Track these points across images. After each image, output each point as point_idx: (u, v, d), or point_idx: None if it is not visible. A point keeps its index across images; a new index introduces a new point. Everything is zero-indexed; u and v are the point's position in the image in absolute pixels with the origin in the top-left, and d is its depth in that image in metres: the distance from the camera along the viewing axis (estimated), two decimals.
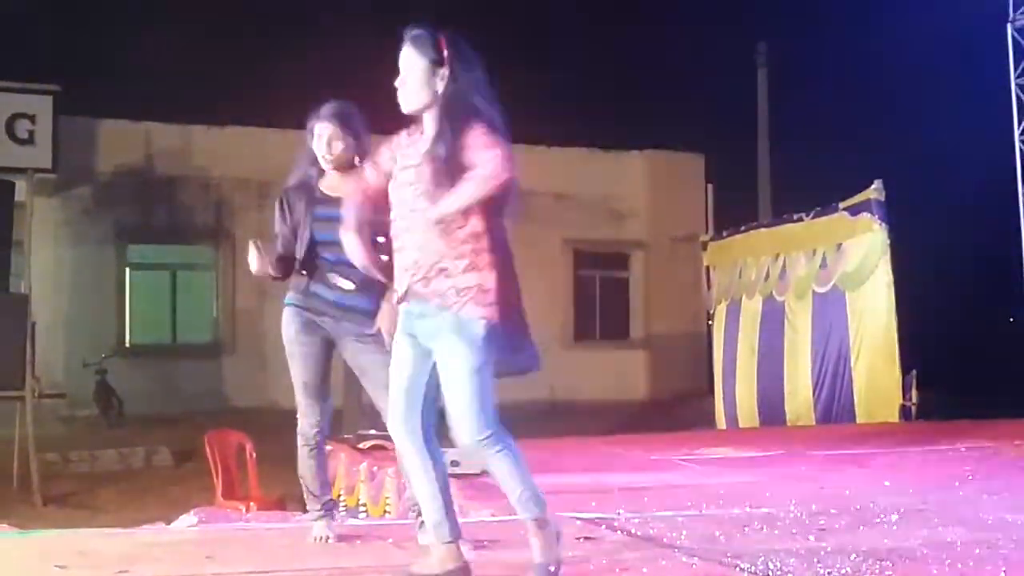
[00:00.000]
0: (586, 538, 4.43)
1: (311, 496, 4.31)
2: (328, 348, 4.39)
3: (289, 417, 14.57)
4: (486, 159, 3.31)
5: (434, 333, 3.39)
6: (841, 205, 10.44)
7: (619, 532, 4.62)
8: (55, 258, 14.97)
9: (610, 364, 18.10)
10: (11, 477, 10.51)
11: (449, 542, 3.52)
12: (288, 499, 8.34)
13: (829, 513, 5.05)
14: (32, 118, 14.33)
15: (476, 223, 3.36)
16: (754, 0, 18.78)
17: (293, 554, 3.98)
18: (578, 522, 4.79)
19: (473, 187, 3.30)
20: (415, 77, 3.42)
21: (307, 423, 4.41)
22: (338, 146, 4.31)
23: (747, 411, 12.05)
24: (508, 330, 3.42)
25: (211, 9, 18.33)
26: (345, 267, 4.20)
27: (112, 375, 14.85)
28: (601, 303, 18.84)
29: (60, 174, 14.65)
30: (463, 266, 3.36)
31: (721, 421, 12.60)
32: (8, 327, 9.89)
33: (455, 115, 3.38)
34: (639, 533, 4.58)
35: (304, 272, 4.41)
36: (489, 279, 3.37)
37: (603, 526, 4.73)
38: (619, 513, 5.05)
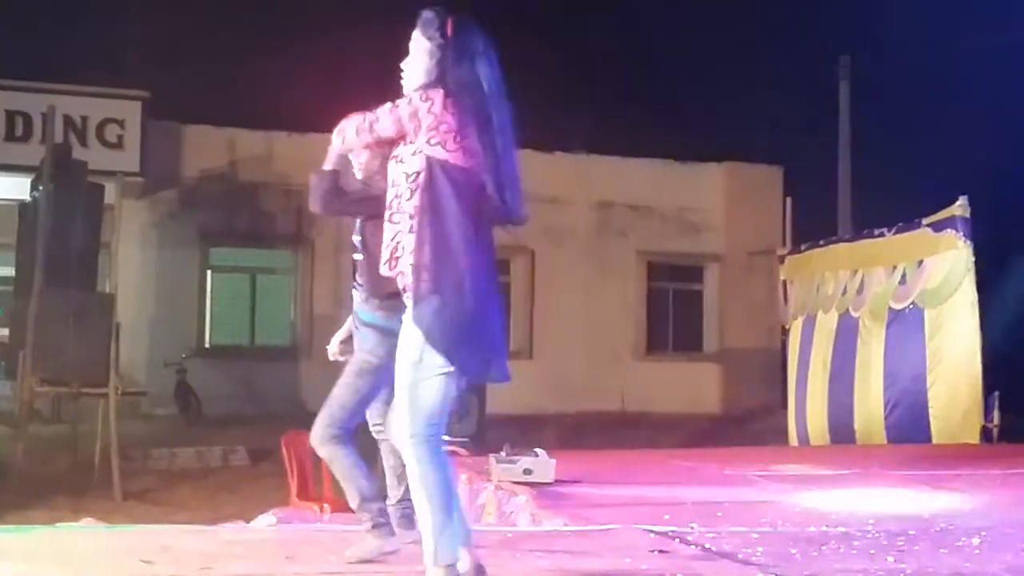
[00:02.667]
0: (659, 551, 4.42)
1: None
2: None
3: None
4: None
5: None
6: (924, 221, 10.26)
7: (693, 546, 4.60)
8: (141, 259, 15.34)
9: (682, 377, 17.98)
10: (93, 472, 10.76)
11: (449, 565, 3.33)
12: None
13: (908, 534, 4.97)
14: (121, 123, 14.79)
15: (422, 199, 3.28)
16: (837, 12, 18.52)
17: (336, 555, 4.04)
18: (652, 535, 4.79)
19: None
20: (416, 58, 3.44)
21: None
22: (364, 154, 4.40)
23: (817, 428, 11.87)
24: (465, 329, 3.24)
25: (296, 18, 18.67)
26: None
27: (192, 375, 15.18)
28: (674, 315, 18.74)
29: (147, 178, 15.07)
30: (412, 245, 3.29)
31: (793, 437, 12.42)
32: (95, 326, 10.15)
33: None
34: (713, 548, 4.56)
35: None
36: (437, 258, 3.24)
37: (676, 540, 4.72)
38: (692, 527, 5.03)
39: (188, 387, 15.10)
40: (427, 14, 3.43)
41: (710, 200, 18.57)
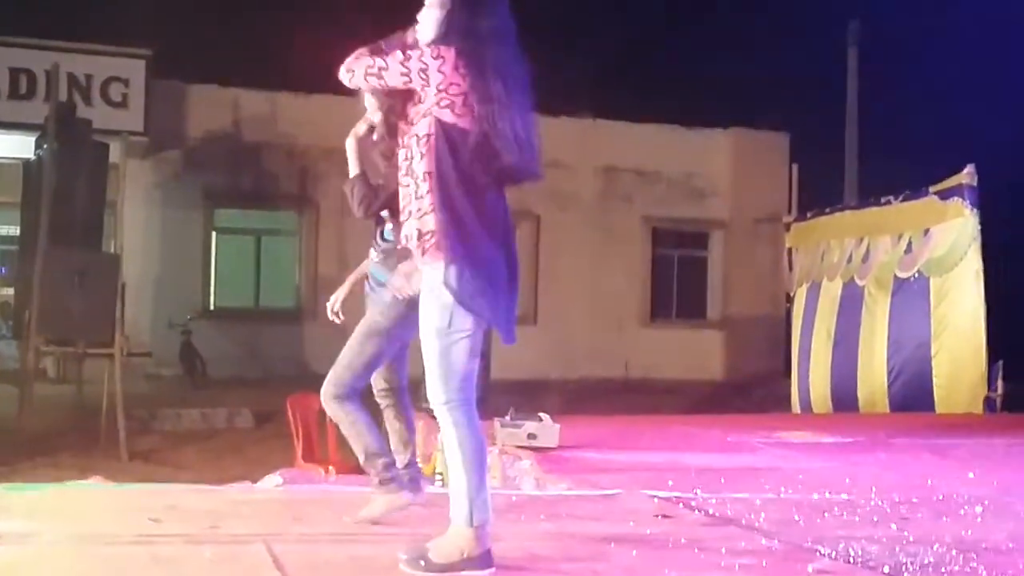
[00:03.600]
0: (663, 516, 4.45)
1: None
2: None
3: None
4: None
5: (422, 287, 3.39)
6: (931, 190, 10.22)
7: (697, 512, 4.63)
8: (145, 220, 15.33)
9: (686, 343, 18.02)
10: (99, 432, 10.81)
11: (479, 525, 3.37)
12: None
13: (911, 502, 5.00)
14: (125, 82, 14.71)
15: (429, 163, 3.28)
16: None
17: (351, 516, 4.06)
18: (656, 500, 4.81)
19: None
20: (428, 9, 3.44)
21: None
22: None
23: (820, 395, 11.90)
24: (485, 287, 3.27)
25: None
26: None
27: (196, 336, 15.21)
28: (679, 282, 18.72)
29: (151, 137, 15.01)
30: (425, 206, 3.29)
31: (795, 405, 12.46)
32: (100, 286, 10.14)
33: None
34: (716, 514, 4.58)
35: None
36: (448, 223, 3.25)
37: (680, 505, 4.75)
38: (696, 493, 5.05)
39: (193, 348, 15.14)
40: None
41: (716, 166, 18.51)
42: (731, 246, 18.60)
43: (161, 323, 15.22)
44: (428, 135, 3.30)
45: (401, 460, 4.34)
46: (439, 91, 3.28)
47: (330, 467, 7.85)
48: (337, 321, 4.53)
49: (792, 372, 12.53)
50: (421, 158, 3.31)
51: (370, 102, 4.07)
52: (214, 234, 16.54)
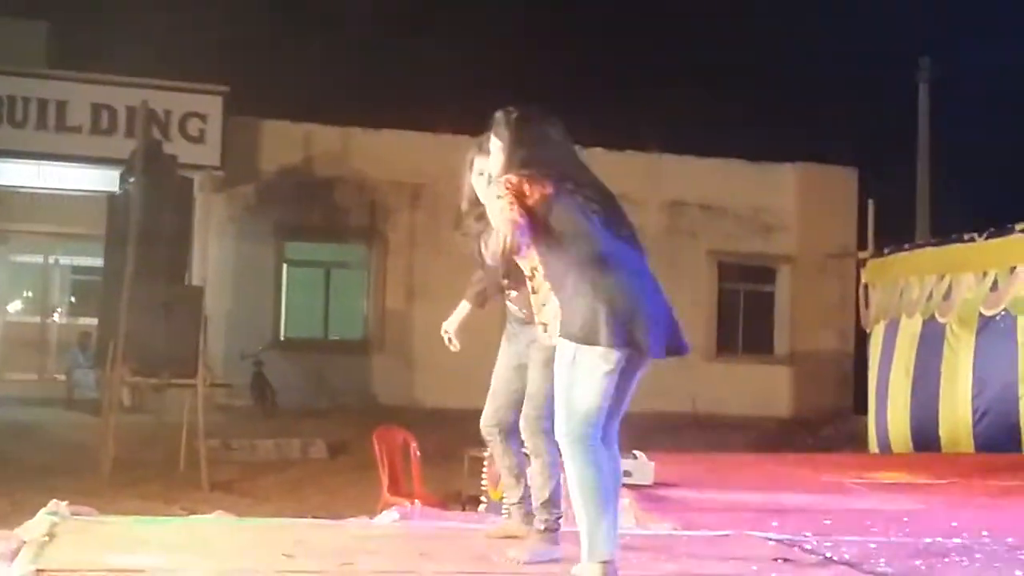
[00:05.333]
0: (784, 560, 4.40)
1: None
2: (519, 358, 4.39)
3: (432, 416, 14.85)
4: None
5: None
6: (1018, 227, 10.06)
7: (814, 555, 4.57)
8: (219, 253, 15.58)
9: (753, 379, 17.87)
10: (178, 462, 10.94)
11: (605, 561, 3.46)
12: (450, 500, 8.53)
13: None
14: (203, 117, 15.03)
15: (536, 258, 3.66)
16: (917, 14, 18.27)
17: (499, 553, 4.06)
18: (771, 542, 4.77)
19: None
20: (494, 157, 3.79)
21: (483, 417, 4.46)
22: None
23: (899, 434, 11.70)
24: (619, 330, 3.46)
25: (371, 16, 18.79)
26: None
27: (267, 367, 15.38)
28: (745, 317, 18.62)
29: (226, 172, 15.30)
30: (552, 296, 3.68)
31: (873, 443, 12.26)
32: (185, 318, 10.32)
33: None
34: (835, 558, 4.53)
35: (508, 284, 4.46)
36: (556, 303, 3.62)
37: (796, 548, 4.70)
38: (806, 535, 5.00)
39: (264, 379, 15.31)
40: (496, 115, 3.78)
41: (783, 201, 18.42)
42: (798, 281, 18.47)
43: (233, 354, 15.41)
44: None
45: (515, 495, 4.33)
46: (526, 199, 3.60)
47: (415, 500, 7.88)
48: (453, 349, 4.49)
49: (869, 410, 12.34)
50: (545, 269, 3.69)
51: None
52: (285, 266, 16.77)
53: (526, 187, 3.53)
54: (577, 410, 3.42)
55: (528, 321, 4.19)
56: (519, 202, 3.49)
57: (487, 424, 4.45)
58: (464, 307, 4.50)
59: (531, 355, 4.17)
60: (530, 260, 3.72)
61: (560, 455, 3.73)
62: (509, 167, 3.63)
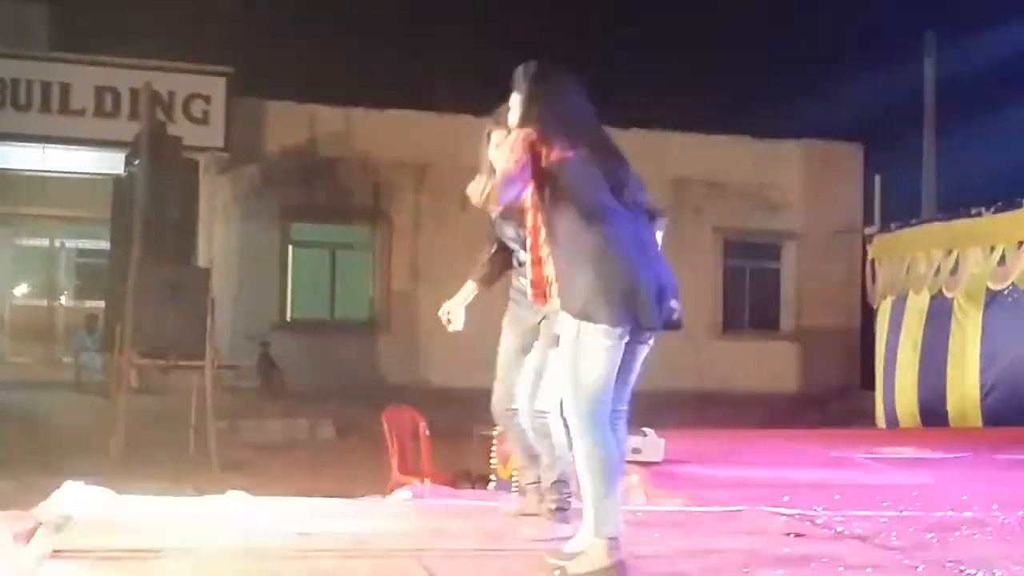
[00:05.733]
0: (796, 534, 4.41)
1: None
2: (522, 339, 4.38)
3: (439, 395, 14.80)
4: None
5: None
6: None
7: (826, 529, 4.59)
8: (224, 234, 15.57)
9: (759, 355, 17.88)
10: (187, 443, 10.97)
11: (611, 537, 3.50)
12: (459, 478, 8.54)
13: None
14: (207, 99, 15.00)
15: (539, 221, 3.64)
16: None
17: (512, 530, 4.08)
18: (782, 517, 4.78)
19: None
20: (514, 111, 3.78)
21: (494, 401, 4.45)
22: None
23: (907, 409, 11.71)
24: (609, 290, 3.45)
25: None
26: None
27: (273, 348, 15.40)
28: (751, 294, 18.60)
29: (231, 153, 15.27)
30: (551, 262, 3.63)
31: (880, 418, 12.27)
32: (192, 299, 10.33)
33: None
34: (846, 532, 4.54)
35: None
36: (556, 272, 3.58)
37: (808, 523, 4.71)
38: (817, 509, 5.01)
39: (271, 360, 15.34)
40: (516, 71, 3.77)
41: (788, 177, 18.37)
42: (804, 257, 18.44)
43: (239, 335, 15.40)
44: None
45: (531, 475, 4.34)
46: (540, 159, 3.60)
47: (425, 480, 7.90)
48: (452, 328, 4.47)
49: (876, 385, 12.35)
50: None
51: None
52: (290, 248, 16.76)
53: (544, 148, 3.52)
54: (583, 386, 3.43)
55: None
56: (534, 160, 3.50)
57: (500, 406, 4.44)
58: (469, 287, 4.49)
59: (543, 332, 4.17)
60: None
61: (568, 434, 3.75)
62: (526, 120, 3.63)
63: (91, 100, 14.77)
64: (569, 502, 4.12)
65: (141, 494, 5.89)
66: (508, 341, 4.40)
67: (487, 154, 4.14)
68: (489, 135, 4.15)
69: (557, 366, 3.58)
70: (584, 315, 3.43)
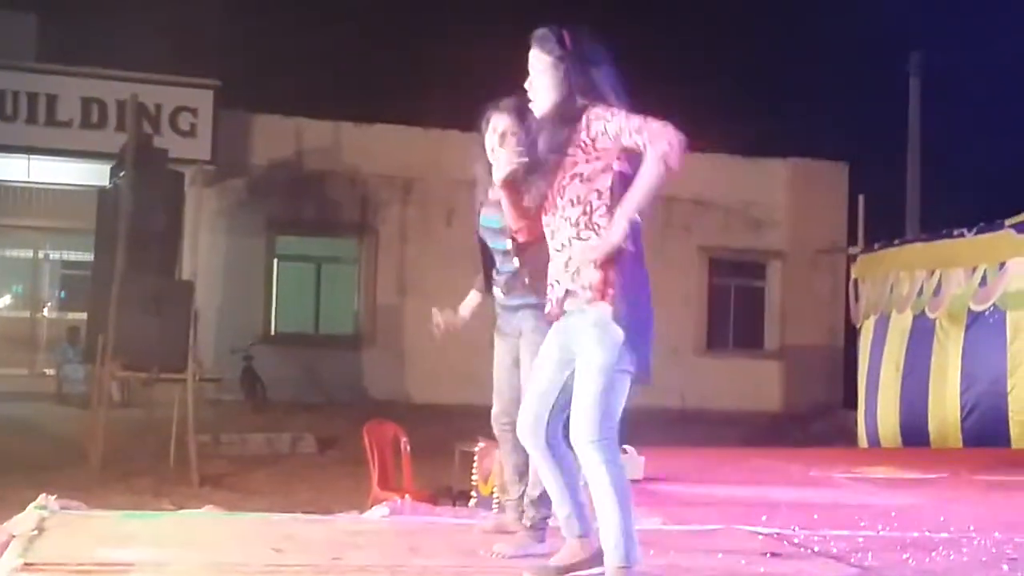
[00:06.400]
0: (772, 554, 4.41)
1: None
2: (513, 352, 4.39)
3: (421, 411, 14.79)
4: (652, 132, 3.30)
5: (579, 331, 3.42)
6: (1007, 222, 10.13)
7: (803, 549, 4.59)
8: (209, 247, 15.50)
9: (743, 374, 17.89)
10: (167, 456, 10.91)
11: (580, 536, 3.58)
12: (440, 495, 8.52)
13: (1013, 542, 4.92)
14: (194, 111, 14.98)
15: (609, 213, 3.40)
16: (907, 8, 18.30)
17: (489, 548, 4.06)
18: (759, 537, 4.78)
19: (648, 176, 3.32)
20: (540, 75, 3.50)
21: (493, 414, 4.45)
22: (512, 141, 4.01)
23: (889, 429, 11.77)
24: (634, 329, 3.36)
25: (363, 10, 18.76)
26: (508, 276, 4.28)
27: (257, 361, 15.35)
28: (736, 312, 18.64)
29: (217, 166, 15.24)
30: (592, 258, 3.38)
31: (862, 438, 12.33)
32: (175, 312, 10.30)
33: (572, 114, 3.43)
34: (823, 551, 4.54)
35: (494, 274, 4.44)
36: (615, 275, 3.36)
37: (784, 542, 4.71)
38: (795, 529, 5.02)
39: (254, 373, 15.28)
40: (540, 31, 3.50)
41: (774, 196, 18.44)
42: (789, 276, 18.50)
43: (223, 348, 15.37)
44: (610, 189, 3.40)
45: (515, 492, 4.34)
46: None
47: (405, 495, 7.88)
48: (436, 330, 4.45)
49: (859, 405, 12.41)
50: (606, 211, 3.39)
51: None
52: (276, 261, 16.73)
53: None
54: (611, 413, 3.34)
55: (516, 306, 4.21)
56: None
57: (498, 420, 4.43)
58: (474, 297, 4.48)
59: (524, 345, 4.16)
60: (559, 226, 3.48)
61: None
62: (562, 86, 3.42)
63: (78, 112, 14.73)
64: (547, 521, 4.11)
65: (118, 508, 5.88)
66: (497, 356, 4.42)
67: (486, 138, 3.94)
68: (488, 119, 3.99)
69: (587, 388, 3.35)
70: (630, 339, 3.32)
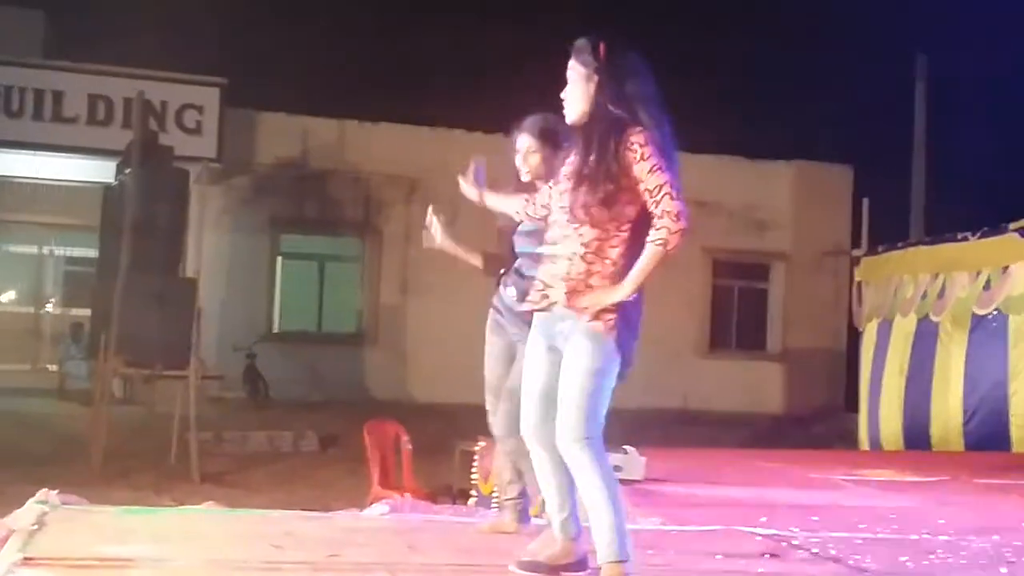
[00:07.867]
0: (771, 555, 4.42)
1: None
2: (510, 351, 4.42)
3: (423, 410, 14.82)
4: (660, 210, 3.33)
5: (568, 334, 3.45)
6: (1011, 226, 10.12)
7: (802, 551, 4.60)
8: (214, 245, 15.53)
9: (745, 375, 17.89)
10: (168, 453, 10.94)
11: (573, 539, 3.59)
12: (440, 493, 8.54)
13: (1012, 545, 4.92)
14: (200, 109, 14.99)
15: (624, 247, 3.44)
16: (913, 12, 18.28)
17: (487, 546, 4.08)
18: (758, 538, 4.79)
19: (648, 259, 3.36)
20: (575, 85, 3.52)
21: (491, 420, 4.47)
22: (534, 159, 4.25)
23: (892, 432, 11.76)
24: (625, 344, 3.47)
25: (368, 8, 18.78)
26: (530, 282, 4.28)
27: (260, 359, 15.37)
28: (739, 314, 18.63)
29: (222, 164, 15.27)
30: (607, 284, 3.44)
31: (864, 441, 12.32)
32: (178, 310, 10.33)
33: (602, 127, 3.43)
34: (821, 553, 4.55)
35: (503, 272, 4.47)
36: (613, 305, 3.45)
37: (783, 543, 4.72)
38: (794, 531, 5.02)
39: (257, 371, 15.30)
40: (579, 42, 3.53)
41: (778, 198, 18.43)
42: (792, 278, 18.49)
43: (226, 345, 15.38)
44: (632, 221, 3.44)
45: (514, 490, 4.35)
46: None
47: (406, 494, 7.89)
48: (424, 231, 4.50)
49: (861, 408, 12.39)
50: (620, 243, 3.45)
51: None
52: (279, 259, 16.75)
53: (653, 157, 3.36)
54: (597, 413, 3.40)
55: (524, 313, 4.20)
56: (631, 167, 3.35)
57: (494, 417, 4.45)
58: (475, 256, 4.57)
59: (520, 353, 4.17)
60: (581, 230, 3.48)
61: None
62: (598, 98, 3.44)
63: (84, 108, 14.75)
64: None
65: (119, 504, 5.90)
66: (490, 354, 4.43)
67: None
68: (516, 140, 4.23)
69: (574, 389, 3.39)
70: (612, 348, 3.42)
